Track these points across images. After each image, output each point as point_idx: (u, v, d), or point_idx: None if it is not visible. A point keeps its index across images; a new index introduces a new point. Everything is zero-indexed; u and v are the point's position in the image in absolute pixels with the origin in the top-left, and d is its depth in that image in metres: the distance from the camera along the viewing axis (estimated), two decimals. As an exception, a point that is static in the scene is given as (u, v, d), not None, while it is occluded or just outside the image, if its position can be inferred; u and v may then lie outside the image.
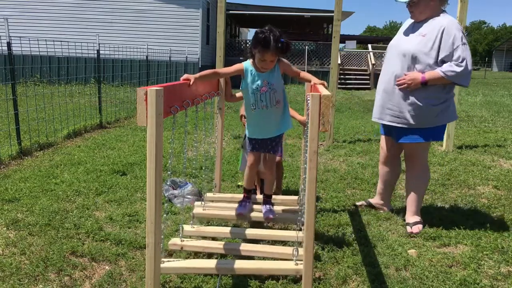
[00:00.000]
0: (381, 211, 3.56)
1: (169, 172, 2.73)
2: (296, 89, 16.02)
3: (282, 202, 3.41)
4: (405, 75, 3.03)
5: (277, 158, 3.36)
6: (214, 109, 3.91)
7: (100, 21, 16.09)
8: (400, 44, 3.17)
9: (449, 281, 2.48)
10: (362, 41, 29.60)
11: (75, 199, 3.71)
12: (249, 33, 38.66)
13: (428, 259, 2.73)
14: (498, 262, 2.71)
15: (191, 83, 2.44)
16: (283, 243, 2.84)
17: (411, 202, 3.26)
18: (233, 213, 3.03)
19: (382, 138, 3.53)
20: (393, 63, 3.15)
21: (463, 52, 2.92)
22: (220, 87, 3.22)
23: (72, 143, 6.07)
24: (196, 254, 2.73)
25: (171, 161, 2.58)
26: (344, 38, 22.81)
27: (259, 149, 3.01)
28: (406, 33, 3.20)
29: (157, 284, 2.04)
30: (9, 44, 5.24)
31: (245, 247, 2.68)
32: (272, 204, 3.11)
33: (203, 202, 3.17)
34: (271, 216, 2.99)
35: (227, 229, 2.92)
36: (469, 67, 2.94)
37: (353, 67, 20.61)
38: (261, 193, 3.59)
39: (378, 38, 33.23)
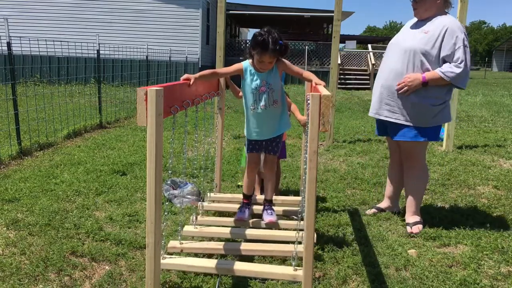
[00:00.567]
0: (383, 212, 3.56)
1: (169, 172, 2.74)
2: (296, 89, 16.02)
3: (283, 203, 3.41)
4: (406, 77, 3.02)
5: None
6: (214, 109, 3.92)
7: (100, 21, 16.10)
8: (401, 41, 3.16)
9: (449, 281, 2.48)
10: (362, 41, 29.59)
11: (75, 199, 3.71)
12: (249, 33, 38.65)
13: (428, 259, 2.73)
14: (498, 262, 2.71)
15: (191, 83, 2.45)
16: (283, 243, 2.84)
17: (410, 202, 3.26)
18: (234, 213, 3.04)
19: (388, 141, 3.52)
20: (392, 60, 3.14)
21: (464, 54, 2.92)
22: (220, 87, 3.22)
23: (72, 143, 6.07)
24: (196, 254, 2.73)
25: (171, 161, 2.59)
26: (344, 38, 22.80)
27: (259, 150, 3.01)
28: (408, 30, 3.20)
29: (157, 284, 2.04)
30: (9, 44, 5.25)
31: (245, 246, 2.69)
32: (273, 206, 3.11)
33: (204, 203, 3.18)
34: (273, 219, 3.00)
35: (227, 230, 2.92)
36: (468, 69, 2.95)
37: (353, 67, 20.61)
38: (261, 193, 3.60)
39: (378, 38, 33.21)
